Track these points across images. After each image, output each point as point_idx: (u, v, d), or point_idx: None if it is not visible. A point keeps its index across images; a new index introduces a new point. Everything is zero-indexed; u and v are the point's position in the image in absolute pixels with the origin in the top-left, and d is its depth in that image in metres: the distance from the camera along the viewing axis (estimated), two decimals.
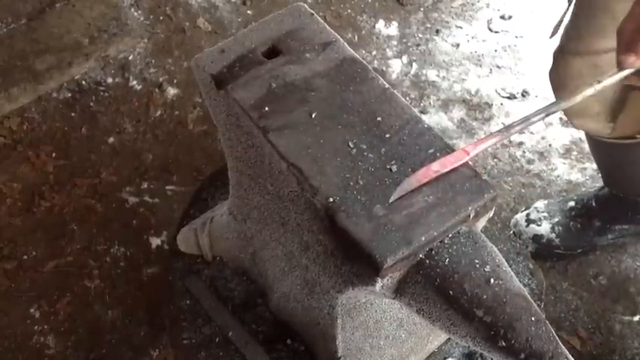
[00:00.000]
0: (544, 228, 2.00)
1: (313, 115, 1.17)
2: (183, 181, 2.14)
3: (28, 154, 2.16)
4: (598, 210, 1.99)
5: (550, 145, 2.26)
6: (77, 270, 1.98)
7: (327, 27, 1.29)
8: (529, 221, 2.02)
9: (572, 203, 2.03)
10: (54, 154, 2.17)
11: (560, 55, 1.60)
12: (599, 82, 1.15)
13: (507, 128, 1.14)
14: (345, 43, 1.27)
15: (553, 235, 2.00)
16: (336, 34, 1.28)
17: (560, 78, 1.61)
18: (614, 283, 2.01)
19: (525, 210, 2.06)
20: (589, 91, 1.15)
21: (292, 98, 1.19)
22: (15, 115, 2.23)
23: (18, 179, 2.12)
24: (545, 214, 2.02)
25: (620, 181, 1.91)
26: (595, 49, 1.49)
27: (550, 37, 1.56)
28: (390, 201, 1.08)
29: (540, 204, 2.06)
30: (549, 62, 1.63)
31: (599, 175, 2.08)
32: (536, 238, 2.00)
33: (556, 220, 2.01)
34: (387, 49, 2.46)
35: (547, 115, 1.16)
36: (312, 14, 1.29)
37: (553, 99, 2.29)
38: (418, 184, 1.10)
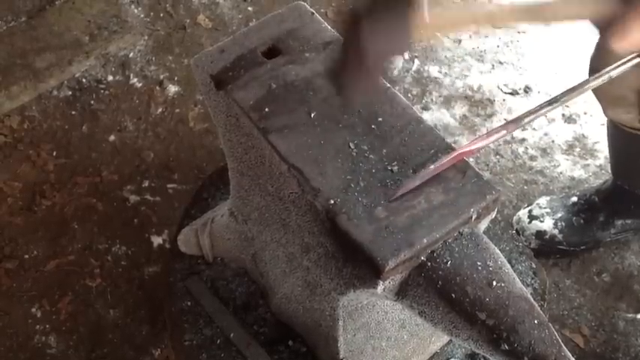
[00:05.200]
0: (547, 224, 1.99)
1: (313, 116, 1.16)
2: (185, 180, 2.13)
3: (29, 153, 2.16)
4: (601, 204, 1.98)
5: (553, 142, 2.25)
6: (78, 269, 1.97)
7: (328, 26, 1.28)
8: (532, 217, 2.01)
9: (574, 199, 2.02)
10: (54, 153, 2.16)
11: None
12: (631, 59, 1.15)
13: (543, 106, 1.16)
14: None
15: (556, 231, 1.98)
16: (337, 34, 1.27)
17: (602, 66, 1.61)
18: (617, 281, 2.00)
19: (528, 206, 2.05)
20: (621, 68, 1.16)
21: (292, 99, 1.18)
22: (15, 114, 2.23)
23: (19, 178, 2.11)
24: (548, 210, 2.01)
25: (633, 173, 1.89)
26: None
27: None
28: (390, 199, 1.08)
29: (543, 200, 2.05)
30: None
31: (602, 171, 2.07)
32: (539, 234, 1.99)
33: (559, 215, 2.00)
34: None
35: (580, 94, 1.17)
36: (313, 13, 1.28)
37: (556, 94, 2.29)
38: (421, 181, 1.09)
